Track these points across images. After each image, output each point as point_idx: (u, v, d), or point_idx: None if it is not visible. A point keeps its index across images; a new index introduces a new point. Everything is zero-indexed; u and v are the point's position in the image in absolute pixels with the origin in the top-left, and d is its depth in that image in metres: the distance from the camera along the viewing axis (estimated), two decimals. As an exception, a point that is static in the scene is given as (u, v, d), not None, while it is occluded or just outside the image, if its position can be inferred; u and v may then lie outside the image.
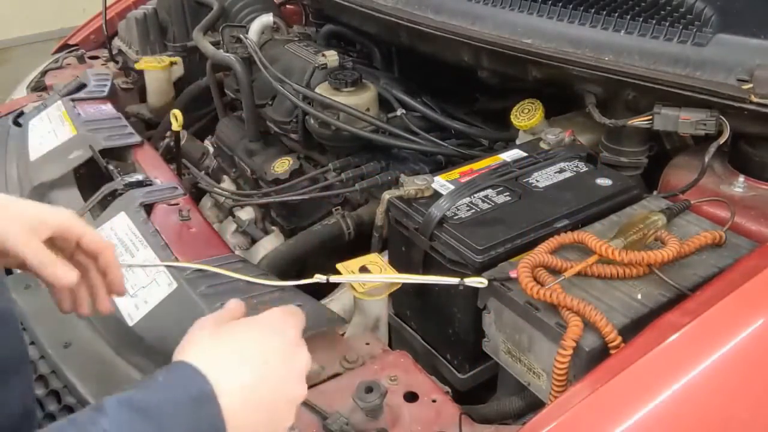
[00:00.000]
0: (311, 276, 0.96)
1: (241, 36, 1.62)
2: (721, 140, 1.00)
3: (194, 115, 1.88)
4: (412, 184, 1.03)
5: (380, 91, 1.48)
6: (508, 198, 1.02)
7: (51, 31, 3.46)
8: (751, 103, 0.94)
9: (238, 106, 1.71)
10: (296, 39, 1.70)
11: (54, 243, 0.82)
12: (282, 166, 1.47)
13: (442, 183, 1.06)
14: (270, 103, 1.56)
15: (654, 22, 1.07)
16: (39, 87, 1.86)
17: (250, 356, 0.67)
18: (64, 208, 0.85)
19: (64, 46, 2.07)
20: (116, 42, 2.02)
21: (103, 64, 1.99)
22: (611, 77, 1.07)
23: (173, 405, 0.59)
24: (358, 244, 1.28)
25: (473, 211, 0.99)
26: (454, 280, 0.88)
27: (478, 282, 0.86)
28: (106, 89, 1.66)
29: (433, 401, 0.83)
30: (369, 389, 0.79)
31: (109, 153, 1.40)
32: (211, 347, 0.67)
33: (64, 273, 0.76)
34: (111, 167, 1.34)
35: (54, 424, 0.56)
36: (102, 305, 0.87)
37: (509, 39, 1.20)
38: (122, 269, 1.03)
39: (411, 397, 0.84)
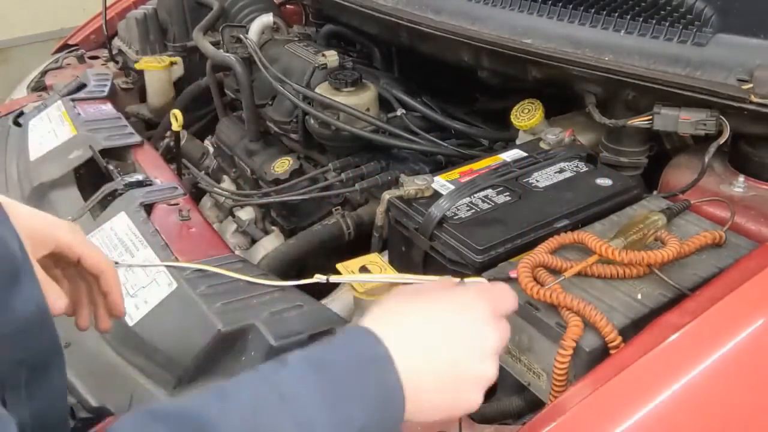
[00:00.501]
0: (311, 276, 0.96)
1: (241, 36, 1.61)
2: (721, 140, 1.00)
3: (194, 115, 1.88)
4: (412, 184, 1.03)
5: (380, 91, 1.47)
6: (508, 198, 1.02)
7: (51, 31, 3.45)
8: (751, 103, 0.93)
9: (238, 106, 1.71)
10: (296, 39, 1.70)
11: (55, 257, 0.82)
12: (282, 166, 1.47)
13: (442, 183, 1.06)
14: (270, 103, 1.56)
15: (654, 22, 1.07)
16: (39, 87, 1.86)
17: (431, 328, 0.66)
18: (69, 223, 0.85)
19: (64, 46, 2.07)
20: (116, 42, 2.02)
21: (103, 64, 1.99)
22: (611, 77, 1.07)
23: (347, 363, 0.61)
24: (358, 244, 1.28)
25: (473, 211, 0.99)
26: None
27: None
28: (106, 89, 1.66)
29: (433, 401, 0.83)
30: (369, 389, 0.78)
31: (109, 153, 1.40)
32: (391, 315, 0.67)
33: (52, 301, 0.75)
34: (111, 167, 1.34)
35: (242, 374, 0.60)
36: (102, 324, 0.88)
37: (509, 39, 1.20)
38: (122, 269, 1.03)
39: (411, 397, 0.84)
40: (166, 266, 1.03)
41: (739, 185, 1.03)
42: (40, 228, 0.81)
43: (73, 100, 1.58)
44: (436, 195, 1.02)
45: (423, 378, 0.63)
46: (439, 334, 0.66)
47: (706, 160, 1.01)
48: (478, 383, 0.66)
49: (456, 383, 0.66)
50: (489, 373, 0.67)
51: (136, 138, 1.45)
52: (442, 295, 0.71)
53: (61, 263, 0.85)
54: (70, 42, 2.08)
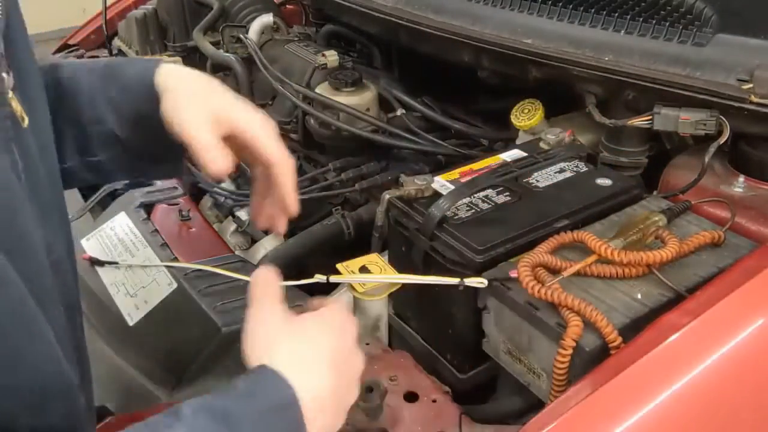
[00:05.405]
0: (311, 276, 0.96)
1: (241, 36, 1.62)
2: (721, 140, 1.00)
3: (194, 115, 1.88)
4: (412, 184, 1.02)
5: (380, 91, 1.47)
6: (508, 198, 1.02)
7: (51, 31, 3.46)
8: (751, 103, 0.94)
9: (238, 106, 1.71)
10: (296, 39, 1.70)
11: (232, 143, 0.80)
12: (282, 166, 1.47)
13: (442, 183, 1.06)
14: (270, 103, 1.56)
15: (654, 22, 1.07)
16: (39, 87, 1.85)
17: (324, 359, 0.65)
18: (258, 112, 0.82)
19: (64, 46, 2.06)
20: (116, 42, 2.02)
21: (103, 64, 1.98)
22: (611, 77, 1.07)
23: (255, 413, 0.58)
24: (358, 244, 1.28)
25: (473, 211, 0.99)
26: (454, 281, 0.88)
27: (478, 282, 0.86)
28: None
29: (433, 401, 0.83)
30: (369, 389, 0.79)
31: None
32: (289, 348, 0.65)
33: (215, 158, 0.75)
34: (111, 167, 1.33)
35: (129, 428, 0.55)
36: (279, 225, 0.88)
37: (509, 39, 1.20)
38: (122, 269, 1.03)
39: (411, 397, 0.84)
40: (166, 266, 1.03)
41: (739, 185, 1.03)
42: (225, 106, 0.79)
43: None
44: (436, 195, 1.01)
45: (318, 413, 0.61)
46: (331, 366, 0.65)
47: (706, 160, 1.01)
48: (347, 410, 0.67)
49: (337, 413, 0.65)
50: (354, 399, 0.68)
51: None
52: (326, 321, 0.71)
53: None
54: (70, 42, 2.07)
